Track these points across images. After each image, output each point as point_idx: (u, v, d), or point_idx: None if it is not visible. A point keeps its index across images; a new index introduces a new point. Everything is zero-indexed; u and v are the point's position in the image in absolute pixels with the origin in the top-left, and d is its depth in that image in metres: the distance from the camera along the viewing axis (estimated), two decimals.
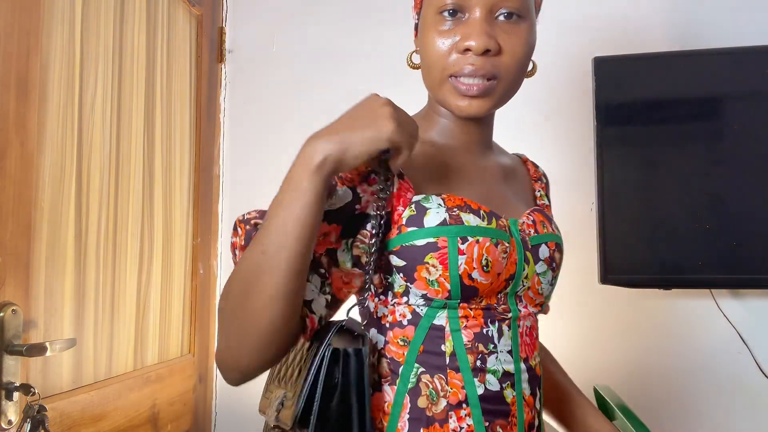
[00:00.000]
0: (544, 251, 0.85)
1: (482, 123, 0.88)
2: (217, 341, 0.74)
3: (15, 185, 1.02)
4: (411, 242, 0.77)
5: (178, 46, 1.59)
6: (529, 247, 0.83)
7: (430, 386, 0.78)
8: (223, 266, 1.78)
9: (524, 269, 0.82)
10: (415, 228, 0.77)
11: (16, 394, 0.98)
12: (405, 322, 0.79)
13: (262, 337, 0.69)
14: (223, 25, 1.82)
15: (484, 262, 0.77)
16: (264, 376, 0.78)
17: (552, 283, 0.87)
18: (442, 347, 0.78)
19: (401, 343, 0.79)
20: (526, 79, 0.85)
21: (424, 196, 0.79)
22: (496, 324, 0.80)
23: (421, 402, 0.77)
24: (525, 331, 0.84)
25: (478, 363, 0.78)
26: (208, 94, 1.73)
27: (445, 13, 0.79)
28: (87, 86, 1.22)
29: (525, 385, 0.82)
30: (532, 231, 0.85)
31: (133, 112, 1.38)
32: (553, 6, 1.66)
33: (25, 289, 1.04)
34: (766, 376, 1.49)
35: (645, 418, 1.04)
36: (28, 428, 0.97)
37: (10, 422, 0.98)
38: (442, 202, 0.78)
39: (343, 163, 0.68)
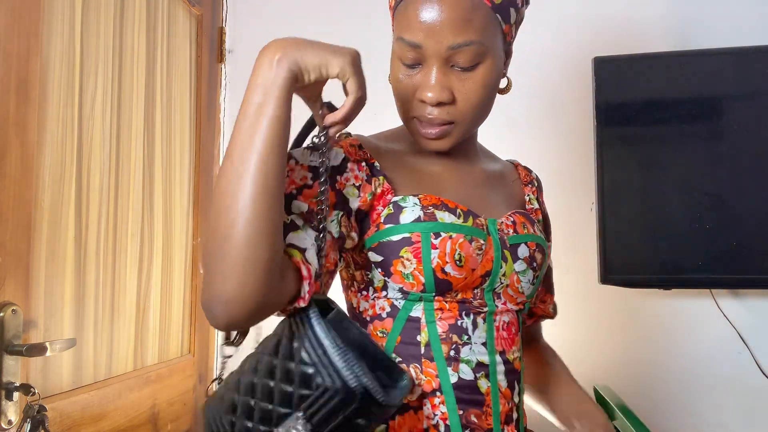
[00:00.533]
0: (523, 251, 0.87)
1: (455, 149, 0.92)
2: (203, 283, 0.73)
3: (15, 185, 1.02)
4: (387, 238, 0.81)
5: (178, 46, 1.59)
6: (507, 246, 0.86)
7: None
8: None
9: (501, 267, 0.85)
10: (391, 225, 0.82)
11: (16, 394, 0.98)
12: (384, 315, 0.84)
13: (242, 261, 0.67)
14: (223, 25, 1.82)
15: (457, 257, 0.81)
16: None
17: (534, 283, 0.89)
18: (418, 338, 0.83)
19: (380, 334, 0.84)
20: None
21: (402, 196, 0.84)
22: (471, 316, 0.84)
23: None
24: (502, 325, 0.87)
25: (452, 353, 0.83)
26: (208, 94, 1.73)
27: (406, 63, 0.82)
28: (87, 86, 1.22)
29: (501, 377, 0.84)
30: (511, 231, 0.88)
31: (133, 112, 1.38)
32: (553, 6, 1.66)
33: (25, 289, 1.04)
34: (766, 376, 1.49)
35: (645, 418, 1.04)
36: (28, 428, 0.98)
37: (10, 422, 0.98)
38: (418, 201, 0.83)
39: (299, 65, 0.68)
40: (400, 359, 0.83)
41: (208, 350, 1.71)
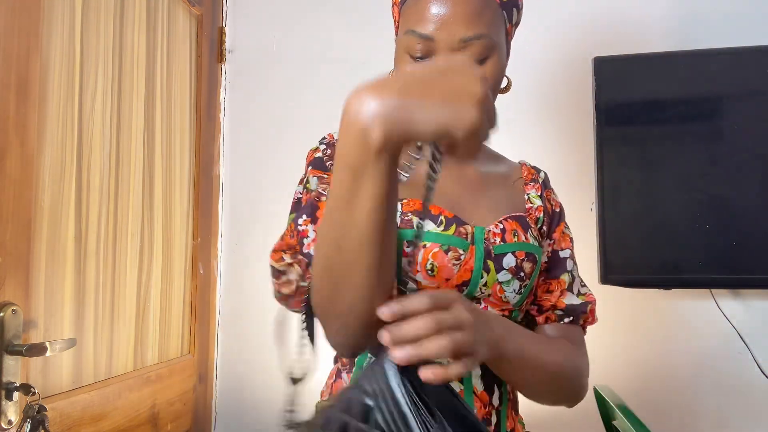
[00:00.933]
0: (509, 260, 0.85)
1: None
2: (324, 328, 0.75)
3: (15, 185, 1.02)
4: None
5: (178, 46, 1.59)
6: (492, 256, 0.84)
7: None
8: (223, 266, 1.78)
9: (482, 277, 0.83)
10: None
11: (16, 394, 0.98)
12: None
13: (362, 321, 0.67)
14: (223, 25, 1.81)
15: (429, 267, 0.81)
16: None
17: (521, 292, 0.86)
18: None
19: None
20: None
21: None
22: None
23: None
24: None
25: None
26: (208, 94, 1.73)
27: (416, 56, 0.82)
28: (87, 86, 1.22)
29: (476, 381, 0.84)
30: (498, 240, 0.85)
31: (133, 112, 1.38)
32: (553, 6, 1.66)
33: (25, 289, 1.04)
34: (766, 376, 1.49)
35: (645, 418, 1.04)
36: (28, 428, 0.97)
37: (10, 422, 0.98)
38: (399, 207, 0.82)
39: (407, 137, 0.56)
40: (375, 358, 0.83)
41: (208, 350, 1.71)
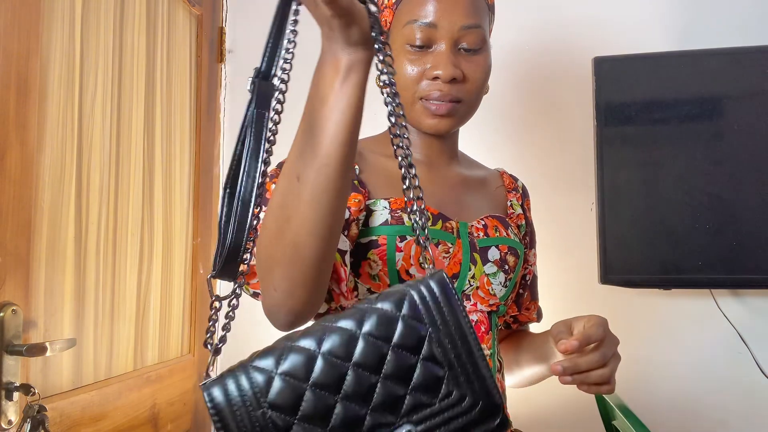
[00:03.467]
0: (493, 253, 0.90)
1: (445, 138, 0.96)
2: (261, 289, 0.70)
3: (15, 185, 1.02)
4: (358, 241, 0.84)
5: (178, 46, 1.59)
6: (477, 248, 0.88)
7: None
8: None
9: (470, 269, 0.87)
10: (363, 228, 0.85)
11: (16, 394, 0.98)
12: None
13: (309, 273, 0.64)
14: (223, 25, 1.81)
15: (421, 260, 0.82)
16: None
17: (506, 285, 0.91)
18: None
19: None
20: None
21: (374, 200, 0.86)
22: None
23: None
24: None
25: None
26: (208, 94, 1.73)
27: (415, 47, 0.87)
28: (87, 86, 1.22)
29: None
30: (482, 234, 0.90)
31: (133, 112, 1.38)
32: (553, 6, 1.66)
33: (25, 289, 1.04)
34: (766, 376, 1.49)
35: (645, 418, 1.04)
36: (28, 428, 0.97)
37: (10, 422, 0.98)
38: (387, 205, 0.86)
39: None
40: None
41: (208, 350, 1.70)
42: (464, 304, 0.88)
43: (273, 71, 0.66)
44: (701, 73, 1.46)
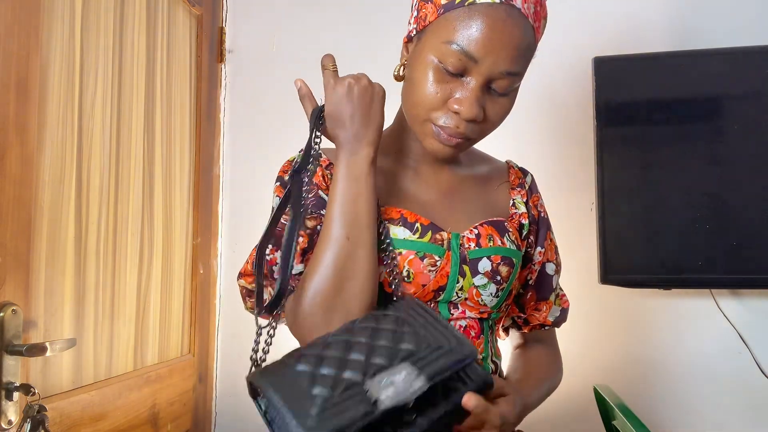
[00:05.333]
0: (484, 265, 0.87)
1: None
2: (308, 325, 0.80)
3: (15, 185, 1.02)
4: None
5: (178, 46, 1.59)
6: (467, 260, 0.86)
7: None
8: (223, 266, 1.78)
9: (458, 282, 0.86)
10: None
11: (16, 394, 0.98)
12: None
13: (364, 309, 0.79)
14: (223, 25, 1.81)
15: (405, 273, 0.84)
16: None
17: (498, 295, 0.88)
18: None
19: None
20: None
21: None
22: None
23: None
24: (459, 329, 0.87)
25: None
26: (208, 94, 1.73)
27: (449, 69, 0.80)
28: (87, 86, 1.22)
29: None
30: (473, 245, 0.87)
31: (133, 112, 1.38)
32: (553, 6, 1.66)
33: (25, 289, 1.04)
34: (766, 376, 1.49)
35: (645, 418, 1.04)
36: (28, 428, 0.97)
37: (10, 422, 0.98)
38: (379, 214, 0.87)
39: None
40: None
41: (208, 350, 1.71)
42: (451, 312, 0.87)
43: (306, 165, 0.84)
44: (701, 73, 1.46)
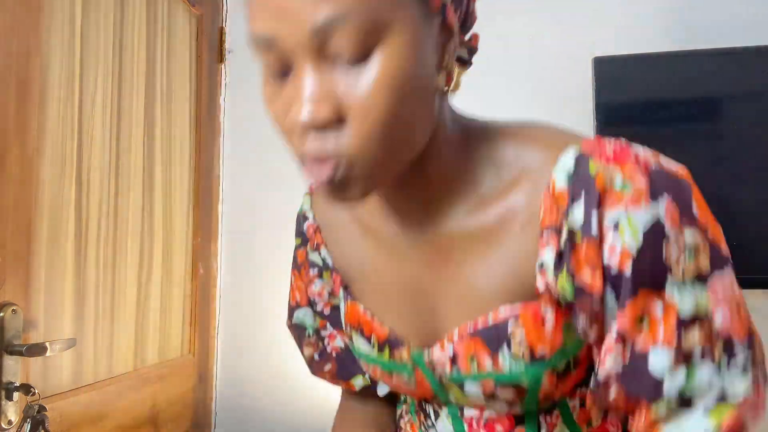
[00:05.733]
0: (473, 389, 0.59)
1: (402, 189, 0.59)
2: None
3: (15, 185, 1.02)
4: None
5: (178, 46, 1.59)
6: (445, 382, 0.62)
7: (405, 424, 0.75)
8: (223, 266, 1.78)
9: (447, 393, 0.63)
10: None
11: (16, 394, 0.98)
12: None
13: None
14: (223, 25, 1.81)
15: (381, 382, 0.70)
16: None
17: (523, 401, 0.59)
18: (408, 398, 0.74)
19: None
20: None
21: (339, 296, 0.72)
22: (432, 404, 0.68)
23: (402, 424, 0.77)
24: (476, 420, 0.63)
25: (422, 428, 0.70)
26: (208, 94, 1.73)
27: (274, 76, 0.52)
28: (87, 86, 1.22)
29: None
30: (448, 369, 0.60)
31: (133, 112, 1.38)
32: (553, 6, 1.66)
33: (25, 289, 1.04)
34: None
35: None
36: (28, 428, 0.97)
37: (10, 422, 0.98)
38: (344, 310, 0.69)
39: None
40: (403, 405, 0.77)
41: (208, 350, 1.71)
42: (463, 413, 0.64)
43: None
44: (701, 73, 1.46)
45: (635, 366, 0.51)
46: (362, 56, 0.48)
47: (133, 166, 1.38)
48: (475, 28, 0.60)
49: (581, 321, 0.54)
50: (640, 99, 1.49)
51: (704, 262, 0.53)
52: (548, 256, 0.53)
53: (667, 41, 1.60)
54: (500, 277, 0.57)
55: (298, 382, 1.64)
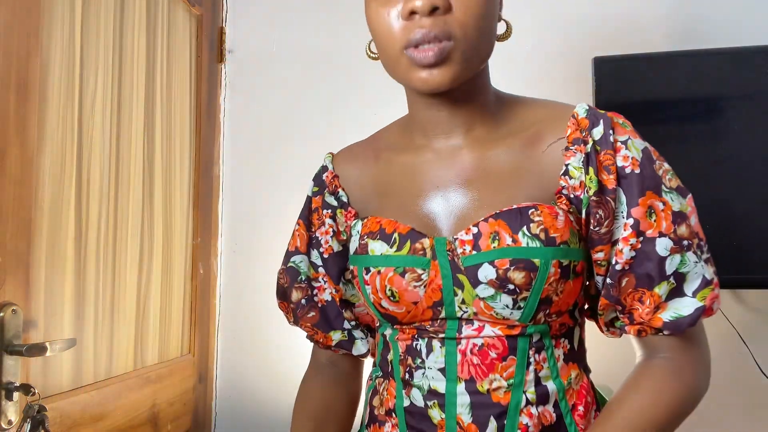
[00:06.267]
0: (486, 272, 0.68)
1: (459, 101, 0.75)
2: None
3: (15, 185, 1.02)
4: (350, 266, 0.83)
5: (178, 46, 1.59)
6: (462, 269, 0.70)
7: (380, 389, 0.81)
8: (223, 266, 1.78)
9: (456, 294, 0.71)
10: (351, 253, 0.82)
11: (16, 394, 0.98)
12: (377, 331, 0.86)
13: None
14: (223, 25, 1.81)
15: (389, 293, 0.73)
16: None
17: (519, 306, 0.69)
18: (389, 356, 0.80)
19: (374, 349, 0.87)
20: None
21: (354, 221, 0.83)
22: (426, 339, 0.75)
23: (375, 401, 0.82)
24: (471, 350, 0.72)
25: (407, 376, 0.76)
26: (208, 94, 1.73)
27: None
28: (87, 86, 1.22)
29: (462, 410, 0.71)
30: (469, 248, 0.70)
31: (133, 112, 1.38)
32: (553, 6, 1.66)
33: (25, 289, 1.04)
34: (766, 376, 1.49)
35: None
36: (28, 428, 0.97)
37: (10, 422, 0.98)
38: (360, 228, 0.79)
39: None
40: (381, 374, 0.83)
41: (208, 350, 1.71)
42: (462, 330, 0.72)
43: None
44: (701, 73, 1.46)
45: (645, 250, 0.69)
46: None
47: (133, 166, 1.38)
48: None
49: (598, 215, 0.70)
50: (640, 99, 1.49)
51: (679, 182, 0.75)
52: (575, 161, 0.71)
53: (667, 41, 1.60)
54: (525, 182, 0.72)
55: (298, 383, 1.64)
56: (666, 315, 0.70)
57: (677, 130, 1.46)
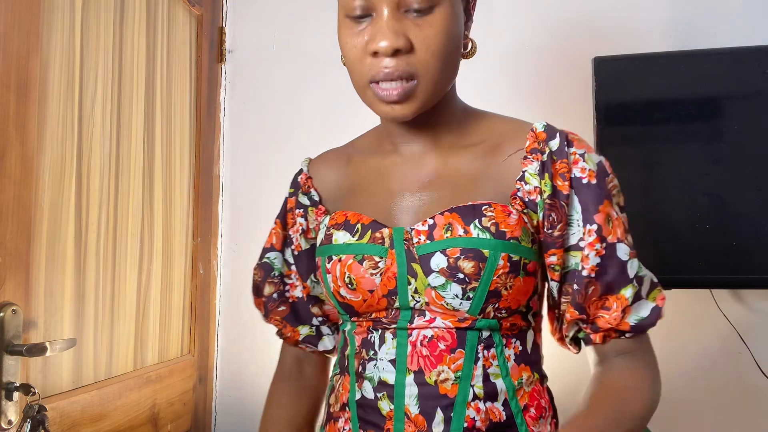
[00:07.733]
0: (438, 261, 0.72)
1: (423, 116, 0.79)
2: None
3: (15, 185, 1.02)
4: (316, 258, 0.85)
5: (178, 46, 1.59)
6: (416, 258, 0.74)
7: (336, 385, 0.83)
8: (223, 266, 1.78)
9: (410, 283, 0.74)
10: (317, 246, 0.85)
11: (16, 394, 0.98)
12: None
13: None
14: (223, 25, 1.81)
15: (347, 281, 0.77)
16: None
17: (468, 297, 0.72)
18: (346, 351, 0.83)
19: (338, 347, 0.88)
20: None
21: (323, 218, 0.87)
22: (380, 331, 0.77)
23: (332, 399, 0.84)
24: (420, 341, 0.74)
25: (360, 368, 0.79)
26: (208, 94, 1.73)
27: (354, 18, 0.74)
28: (87, 86, 1.22)
29: (410, 401, 0.73)
30: (423, 238, 0.74)
31: (133, 112, 1.38)
32: (553, 6, 1.66)
33: (25, 289, 1.04)
34: (766, 376, 1.49)
35: None
36: (28, 428, 0.97)
37: (10, 422, 0.98)
38: (327, 222, 0.84)
39: None
40: (338, 371, 0.84)
41: (208, 350, 1.71)
42: (414, 320, 0.75)
43: None
44: (701, 73, 1.46)
45: (609, 255, 0.75)
46: (426, 10, 0.72)
47: (133, 166, 1.38)
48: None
49: (551, 217, 0.75)
50: (640, 99, 1.49)
51: (621, 199, 0.81)
52: (531, 168, 0.77)
53: (667, 41, 1.60)
54: (483, 185, 0.78)
55: None
56: (631, 318, 0.75)
57: (677, 130, 1.46)
